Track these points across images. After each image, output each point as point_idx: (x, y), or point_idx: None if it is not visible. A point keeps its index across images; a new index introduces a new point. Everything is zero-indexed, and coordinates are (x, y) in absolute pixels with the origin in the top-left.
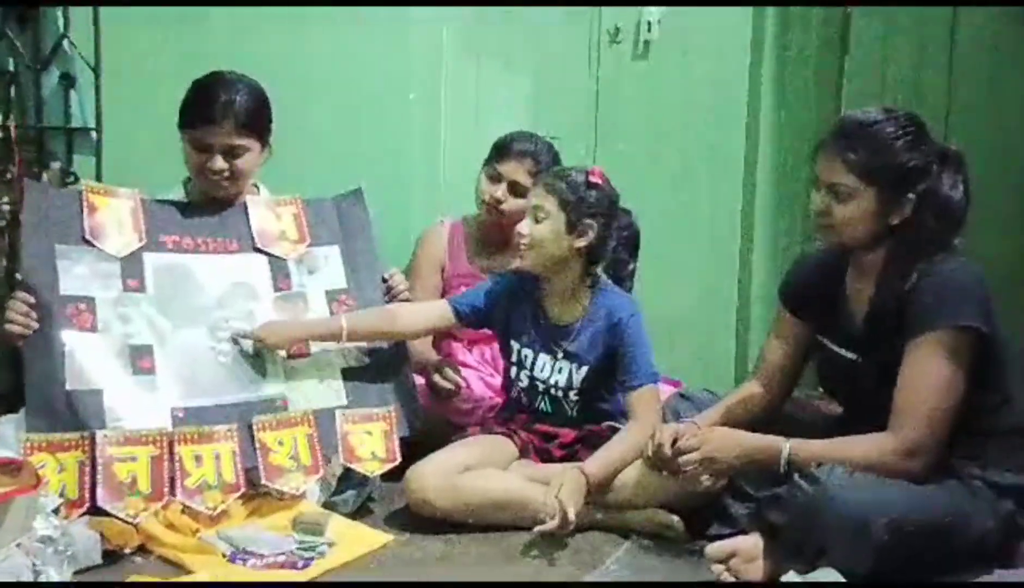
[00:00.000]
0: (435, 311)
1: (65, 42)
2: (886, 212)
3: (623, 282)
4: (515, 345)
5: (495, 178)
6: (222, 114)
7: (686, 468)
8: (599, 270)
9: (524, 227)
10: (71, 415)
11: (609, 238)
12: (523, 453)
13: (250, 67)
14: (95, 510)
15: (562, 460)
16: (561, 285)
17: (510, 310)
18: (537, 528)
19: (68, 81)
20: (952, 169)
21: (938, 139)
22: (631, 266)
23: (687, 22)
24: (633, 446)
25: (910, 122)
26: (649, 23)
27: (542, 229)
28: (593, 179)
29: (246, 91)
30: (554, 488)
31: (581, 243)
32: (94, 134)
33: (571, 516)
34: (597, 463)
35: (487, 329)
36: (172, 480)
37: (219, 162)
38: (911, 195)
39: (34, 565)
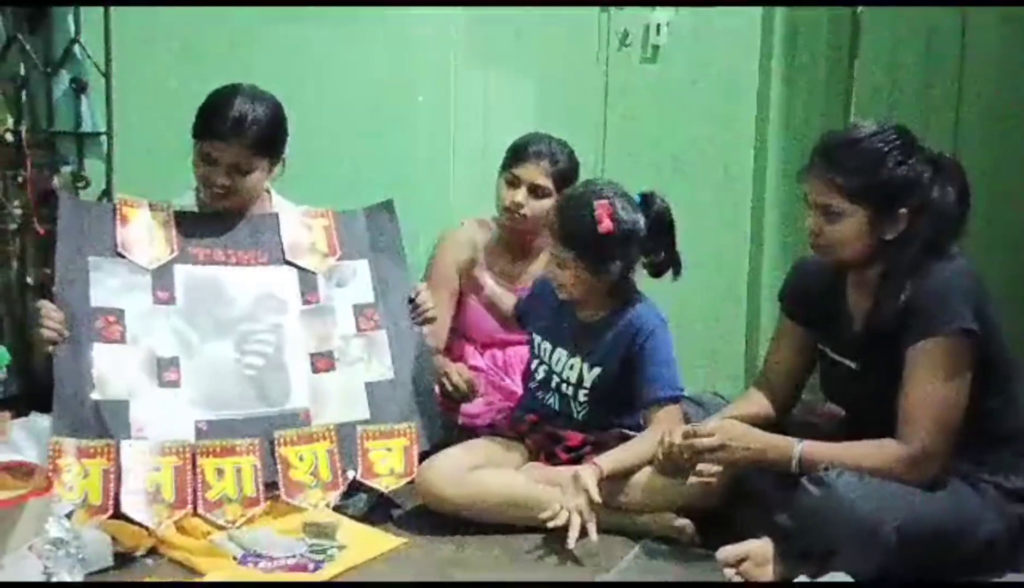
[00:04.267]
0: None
1: (76, 47)
2: (879, 229)
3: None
4: (537, 337)
5: (513, 182)
6: (232, 133)
7: (701, 455)
8: (631, 277)
9: (552, 269)
10: (97, 424)
11: (635, 261)
12: (532, 457)
13: (259, 69)
14: (117, 517)
15: (568, 464)
16: (590, 294)
17: (542, 304)
18: (552, 523)
19: (79, 85)
20: (945, 177)
21: (930, 147)
22: (658, 259)
23: (696, 26)
24: (646, 450)
25: (897, 135)
26: (658, 26)
27: (567, 276)
28: (603, 229)
29: (261, 111)
30: (569, 482)
31: (606, 281)
32: (105, 138)
33: (594, 494)
34: (609, 457)
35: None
36: (195, 490)
37: (222, 178)
38: (903, 210)
39: (45, 568)
